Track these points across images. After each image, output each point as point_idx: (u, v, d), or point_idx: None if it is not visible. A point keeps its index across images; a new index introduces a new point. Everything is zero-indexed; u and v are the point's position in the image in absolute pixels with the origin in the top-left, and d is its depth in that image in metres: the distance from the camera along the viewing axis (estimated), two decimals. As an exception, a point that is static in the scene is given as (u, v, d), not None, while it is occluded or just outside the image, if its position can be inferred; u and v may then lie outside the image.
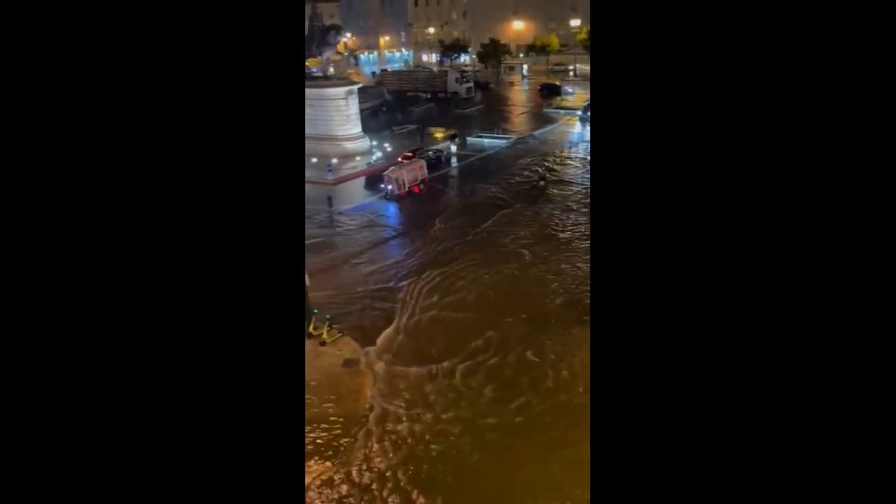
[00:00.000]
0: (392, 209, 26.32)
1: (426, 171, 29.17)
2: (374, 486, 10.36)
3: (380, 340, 15.06)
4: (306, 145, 28.01)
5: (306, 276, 15.17)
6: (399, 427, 11.82)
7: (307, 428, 11.38)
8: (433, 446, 11.27)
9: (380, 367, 13.88)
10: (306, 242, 19.61)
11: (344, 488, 10.37)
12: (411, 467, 10.75)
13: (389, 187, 27.35)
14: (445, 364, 13.85)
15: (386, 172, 28.05)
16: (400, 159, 30.65)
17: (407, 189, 27.50)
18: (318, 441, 11.40)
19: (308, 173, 30.16)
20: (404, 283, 18.29)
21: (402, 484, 10.37)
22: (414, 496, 10.11)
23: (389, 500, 10.09)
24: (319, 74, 36.34)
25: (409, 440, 11.46)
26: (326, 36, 36.25)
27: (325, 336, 14.79)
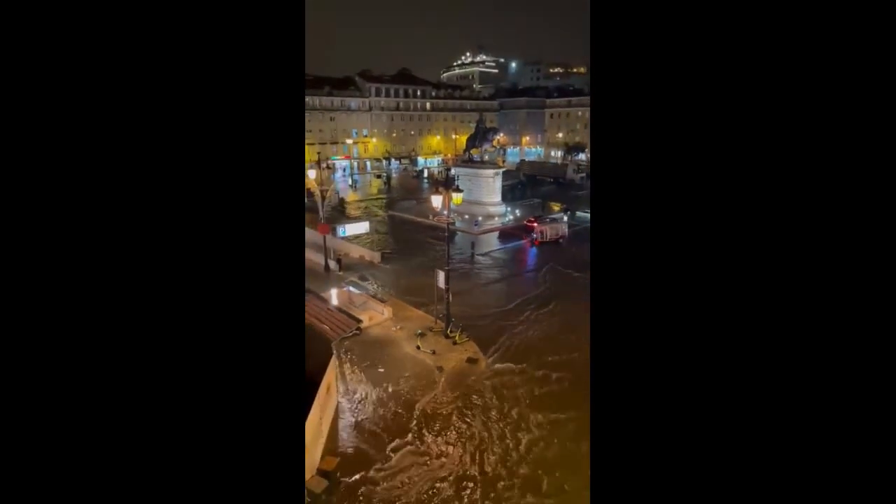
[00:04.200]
0: (532, 252, 26.16)
1: (566, 229, 28.60)
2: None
3: (494, 347, 14.83)
4: (465, 207, 28.99)
5: (450, 296, 15.55)
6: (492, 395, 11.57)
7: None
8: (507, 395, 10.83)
9: (491, 364, 13.71)
10: (454, 273, 20.10)
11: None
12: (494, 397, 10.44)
13: (535, 235, 27.35)
14: (528, 365, 13.37)
15: (536, 225, 27.81)
16: (526, 223, 30.49)
17: (548, 239, 27.24)
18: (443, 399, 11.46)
19: (461, 225, 31.03)
20: (525, 309, 17.97)
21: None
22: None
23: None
24: (478, 160, 37.51)
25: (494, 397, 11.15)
26: (487, 134, 37.58)
27: (457, 338, 14.96)
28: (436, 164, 76.92)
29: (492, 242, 29.25)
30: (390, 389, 12.41)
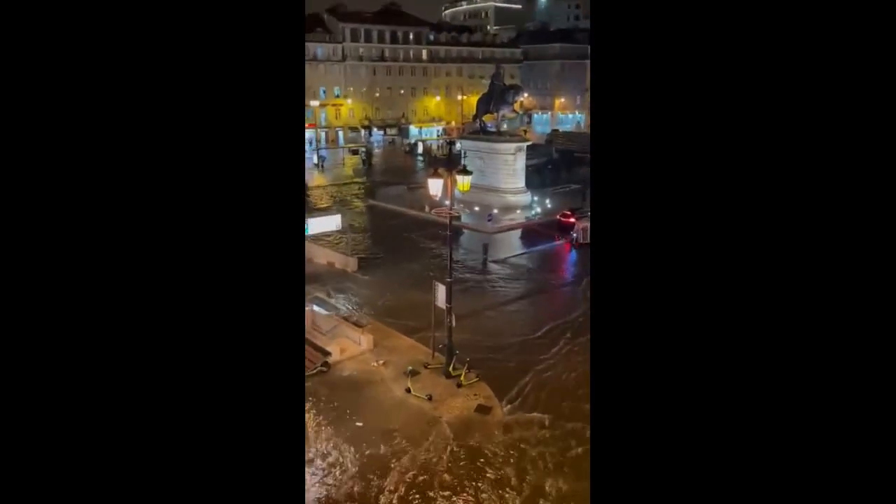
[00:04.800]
0: (569, 258, 26.50)
1: None
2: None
3: (513, 392, 14.79)
4: (474, 195, 29.05)
5: (453, 319, 15.51)
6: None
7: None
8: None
9: (508, 414, 13.64)
10: (460, 286, 20.13)
11: None
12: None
13: (575, 235, 27.66)
14: (558, 417, 13.27)
15: (573, 220, 28.87)
16: (559, 217, 30.50)
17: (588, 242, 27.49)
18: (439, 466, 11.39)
19: (469, 220, 31.09)
20: (557, 339, 17.92)
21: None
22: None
23: None
24: (493, 130, 37.53)
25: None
26: (505, 95, 37.45)
27: (462, 378, 14.88)
28: (434, 136, 77.21)
29: (512, 244, 29.31)
30: (368, 452, 12.33)
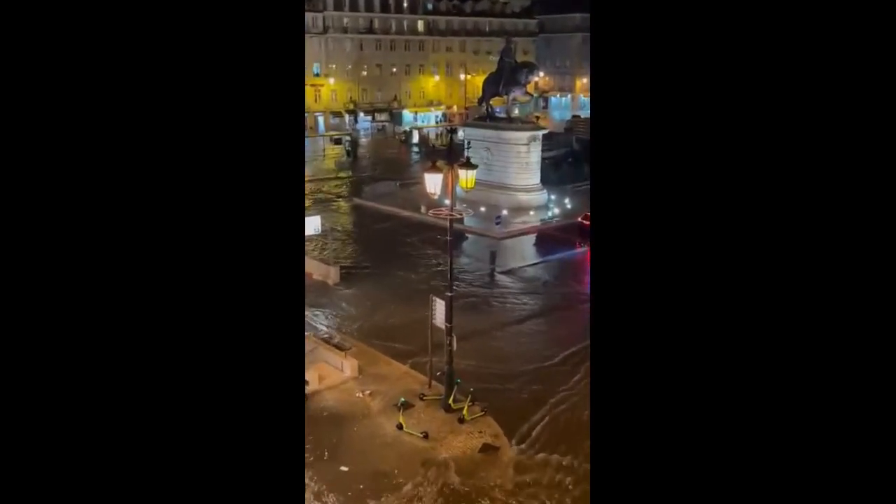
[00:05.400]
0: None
1: None
2: None
3: (524, 428, 14.85)
4: (480, 193, 29.13)
5: (454, 341, 15.53)
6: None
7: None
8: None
9: (519, 454, 13.66)
10: (462, 302, 20.17)
11: None
12: None
13: None
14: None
15: None
16: (581, 220, 30.58)
17: None
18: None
19: (473, 223, 31.15)
20: (579, 366, 17.94)
21: None
22: None
23: None
24: (502, 115, 37.71)
25: None
26: (516, 74, 37.58)
27: (465, 413, 14.88)
28: (433, 123, 77.59)
29: (525, 251, 29.47)
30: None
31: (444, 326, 15.58)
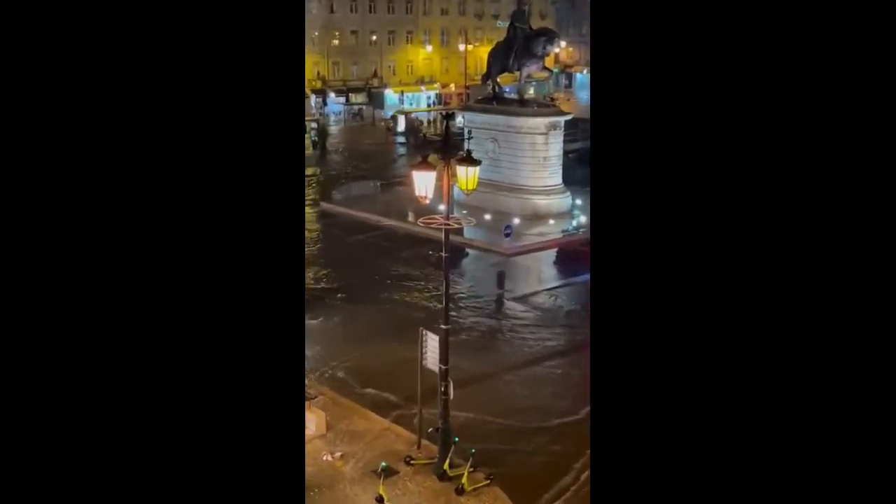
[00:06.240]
0: None
1: None
2: None
3: (545, 498, 14.86)
4: (484, 196, 29.10)
5: (451, 388, 15.44)
6: None
7: None
8: None
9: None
10: (461, 335, 20.23)
11: None
12: None
13: None
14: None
15: None
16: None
17: None
18: None
19: (475, 234, 31.20)
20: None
21: None
22: None
23: None
24: (513, 97, 37.75)
25: None
26: (531, 44, 37.58)
27: (465, 481, 14.76)
28: (424, 106, 77.89)
29: (542, 272, 29.56)
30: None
31: (437, 369, 15.52)
